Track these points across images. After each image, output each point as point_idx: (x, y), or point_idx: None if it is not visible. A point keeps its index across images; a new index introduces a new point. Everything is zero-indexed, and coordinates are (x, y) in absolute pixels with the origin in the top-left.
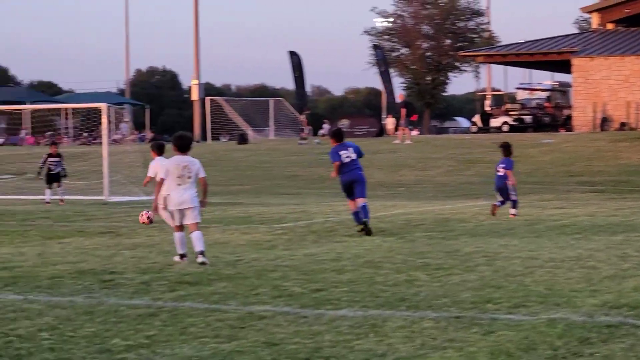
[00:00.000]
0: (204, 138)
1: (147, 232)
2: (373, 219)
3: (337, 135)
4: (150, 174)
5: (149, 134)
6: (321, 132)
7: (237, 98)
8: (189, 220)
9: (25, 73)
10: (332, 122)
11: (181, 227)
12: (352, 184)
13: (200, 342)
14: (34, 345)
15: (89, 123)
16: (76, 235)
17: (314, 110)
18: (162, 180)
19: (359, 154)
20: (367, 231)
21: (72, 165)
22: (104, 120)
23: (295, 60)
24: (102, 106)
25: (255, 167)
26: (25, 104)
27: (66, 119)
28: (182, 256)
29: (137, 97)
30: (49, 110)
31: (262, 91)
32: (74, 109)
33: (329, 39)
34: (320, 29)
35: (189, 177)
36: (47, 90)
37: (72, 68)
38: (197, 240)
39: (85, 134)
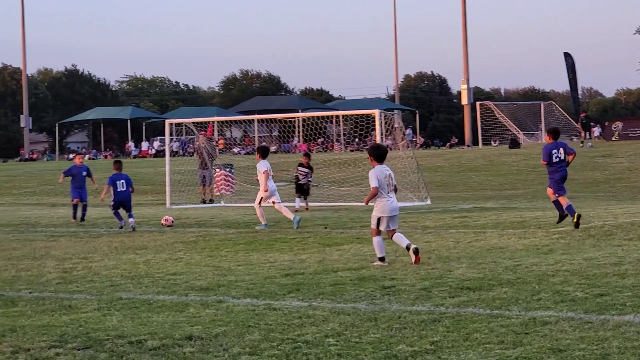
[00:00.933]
0: (475, 142)
1: (424, 237)
2: None
3: (553, 133)
4: (263, 168)
5: (419, 139)
6: (593, 135)
7: (507, 102)
8: (395, 225)
9: (296, 81)
10: (604, 124)
11: (380, 232)
12: (563, 181)
13: (485, 348)
14: (321, 351)
15: (360, 129)
16: (354, 242)
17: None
18: (376, 188)
19: (568, 152)
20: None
21: (345, 171)
22: (377, 126)
23: (570, 62)
24: (375, 112)
25: (529, 171)
26: (297, 111)
27: (337, 125)
28: (383, 259)
29: (406, 103)
30: (320, 117)
31: (532, 94)
32: (344, 115)
33: (599, 39)
34: (589, 29)
35: (392, 185)
36: (318, 98)
37: (342, 75)
38: (402, 238)
39: (356, 140)
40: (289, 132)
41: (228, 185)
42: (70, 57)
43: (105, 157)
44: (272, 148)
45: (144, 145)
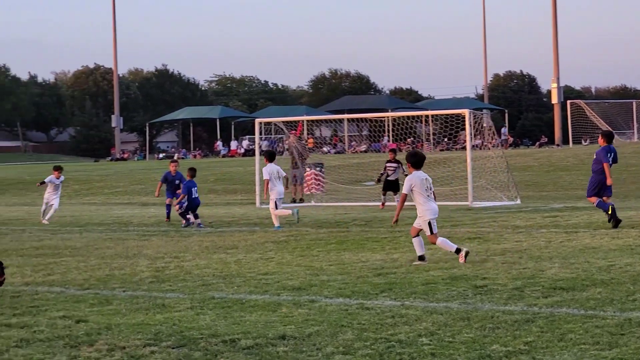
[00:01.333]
0: (565, 141)
1: (515, 237)
2: None
3: (608, 137)
4: (265, 176)
5: (508, 139)
6: None
7: (597, 100)
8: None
9: (385, 81)
10: None
11: (437, 234)
12: (602, 185)
13: (580, 349)
14: (415, 351)
15: (449, 129)
16: None
17: None
18: (406, 195)
19: (615, 159)
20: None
21: (434, 170)
22: (467, 126)
23: None
24: (465, 112)
25: (621, 170)
26: (386, 111)
27: (426, 125)
28: (459, 250)
29: (495, 102)
30: (409, 116)
31: (623, 93)
32: (434, 115)
33: None
34: None
35: (431, 189)
36: (407, 97)
37: (431, 74)
38: (422, 244)
39: (445, 140)
40: (378, 131)
41: (319, 184)
42: (160, 57)
43: (195, 156)
44: (363, 147)
45: (233, 144)
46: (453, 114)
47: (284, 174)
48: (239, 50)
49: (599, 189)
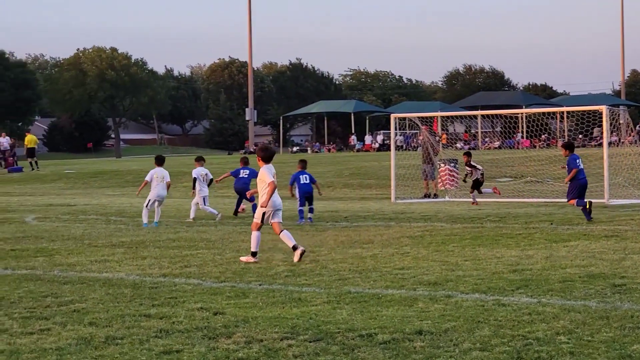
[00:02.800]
0: None
1: None
2: None
3: (569, 147)
4: (146, 177)
5: None
6: None
7: None
8: (278, 219)
9: (519, 76)
10: None
11: (260, 227)
12: (585, 187)
13: None
14: (553, 349)
15: (585, 125)
16: (581, 239)
17: None
18: (274, 182)
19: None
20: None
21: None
22: (605, 122)
23: None
24: (602, 108)
25: None
26: (520, 107)
27: (560, 121)
28: (255, 254)
29: (633, 98)
30: (543, 113)
31: None
32: (569, 111)
33: None
34: None
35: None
36: (541, 93)
37: (566, 70)
38: (289, 237)
39: (580, 137)
40: (512, 128)
41: (453, 180)
42: (294, 50)
43: (329, 150)
44: (496, 144)
45: (367, 138)
46: (589, 111)
47: (169, 180)
48: (374, 44)
49: (580, 192)
